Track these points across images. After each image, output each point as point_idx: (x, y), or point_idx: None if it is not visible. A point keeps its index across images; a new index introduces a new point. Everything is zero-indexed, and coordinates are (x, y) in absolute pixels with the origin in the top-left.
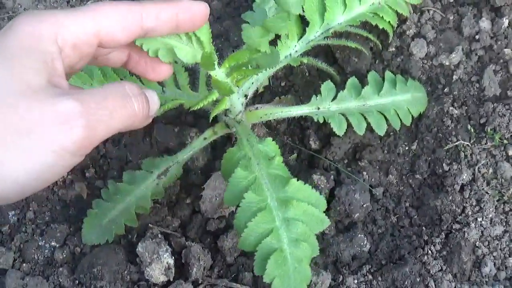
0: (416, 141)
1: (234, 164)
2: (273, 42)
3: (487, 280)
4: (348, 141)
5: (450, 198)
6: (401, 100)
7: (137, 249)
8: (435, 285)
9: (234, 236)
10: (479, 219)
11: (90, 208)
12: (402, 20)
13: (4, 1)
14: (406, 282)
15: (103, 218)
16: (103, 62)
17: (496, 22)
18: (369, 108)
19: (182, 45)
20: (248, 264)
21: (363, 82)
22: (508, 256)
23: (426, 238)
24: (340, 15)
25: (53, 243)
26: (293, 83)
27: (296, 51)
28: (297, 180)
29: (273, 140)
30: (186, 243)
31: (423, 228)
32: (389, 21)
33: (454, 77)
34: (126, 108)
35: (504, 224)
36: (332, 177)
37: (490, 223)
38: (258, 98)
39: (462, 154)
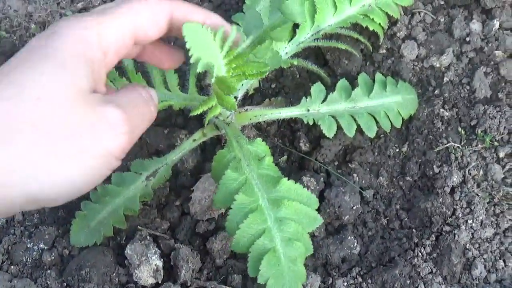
0: (407, 143)
1: (224, 166)
2: None
3: (477, 282)
4: (338, 143)
5: (441, 200)
6: (391, 102)
7: (125, 251)
8: (425, 287)
9: (223, 238)
10: (470, 221)
11: (79, 210)
12: (392, 22)
13: None
14: (396, 285)
15: (92, 220)
16: None
17: (486, 24)
18: (359, 110)
19: None
20: (237, 266)
21: (353, 84)
22: (498, 258)
23: (416, 240)
24: (331, 17)
25: (41, 245)
26: (284, 85)
27: (287, 53)
28: (288, 179)
29: (262, 141)
30: (175, 245)
31: (413, 230)
32: (379, 23)
33: (445, 79)
34: (150, 113)
35: (495, 226)
36: (322, 179)
37: (481, 226)
38: (249, 100)
39: (453, 156)
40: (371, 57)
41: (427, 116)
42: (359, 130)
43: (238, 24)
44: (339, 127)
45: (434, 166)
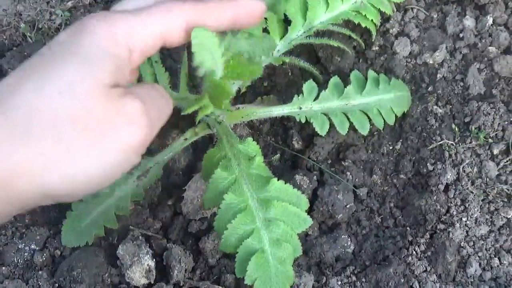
0: (400, 140)
1: (214, 165)
2: None
3: (472, 280)
4: (331, 141)
5: (435, 198)
6: (384, 99)
7: (117, 252)
8: (419, 286)
9: (216, 237)
10: (464, 219)
11: (70, 210)
12: (385, 18)
13: None
14: (390, 283)
15: (83, 220)
16: None
17: (480, 20)
18: (351, 107)
19: None
20: (230, 266)
21: (346, 81)
22: (493, 256)
23: (410, 238)
24: (323, 13)
25: (32, 246)
26: (276, 83)
27: (278, 51)
28: (278, 180)
29: (254, 141)
30: (168, 245)
31: (408, 228)
32: (372, 20)
33: (438, 75)
34: (168, 105)
35: (489, 224)
36: (315, 177)
37: (475, 223)
38: (241, 98)
39: (447, 154)
40: (364, 54)
41: (420, 113)
42: (352, 127)
43: None
44: (332, 125)
45: (428, 164)
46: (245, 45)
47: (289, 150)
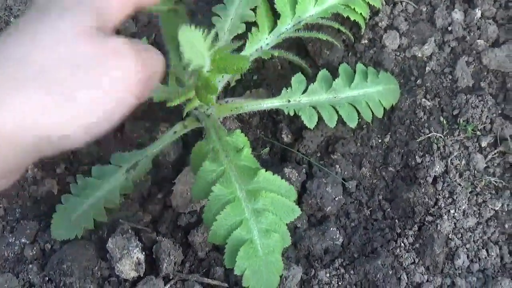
0: (389, 133)
1: (202, 157)
2: (244, 35)
3: (460, 272)
4: (320, 134)
5: (423, 190)
6: (373, 92)
7: (107, 245)
8: (407, 277)
9: (205, 230)
10: (452, 211)
11: (60, 203)
12: (374, 12)
13: None
14: (378, 275)
15: (72, 213)
16: None
17: (468, 13)
18: (340, 100)
19: None
20: (219, 258)
21: (335, 74)
22: (481, 248)
23: (399, 230)
24: (312, 7)
25: (23, 240)
26: (265, 77)
27: (267, 44)
28: (266, 171)
29: (243, 133)
30: (157, 238)
31: (396, 220)
32: (361, 13)
33: (427, 68)
34: (160, 61)
35: (477, 216)
36: (304, 170)
37: (463, 215)
38: (230, 91)
39: (435, 146)
40: (353, 48)
41: (409, 106)
42: (341, 121)
43: (218, 16)
44: (321, 118)
45: (416, 156)
46: None
47: (278, 144)
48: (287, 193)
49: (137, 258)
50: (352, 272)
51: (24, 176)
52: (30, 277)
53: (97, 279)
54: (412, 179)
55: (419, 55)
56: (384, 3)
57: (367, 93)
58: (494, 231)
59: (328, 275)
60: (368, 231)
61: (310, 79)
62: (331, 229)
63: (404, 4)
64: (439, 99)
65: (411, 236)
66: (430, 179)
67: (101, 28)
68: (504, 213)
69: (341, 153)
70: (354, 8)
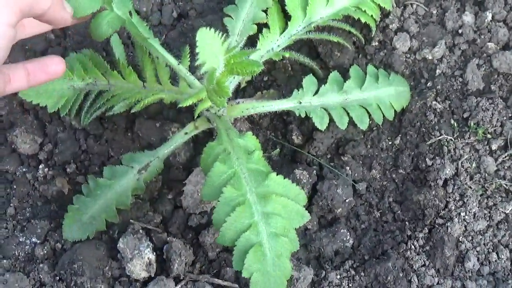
0: (399, 135)
1: (213, 158)
2: (255, 36)
3: (470, 275)
4: (331, 136)
5: (433, 193)
6: (384, 94)
7: (118, 245)
8: (418, 280)
9: (215, 231)
10: (462, 214)
11: (71, 203)
12: (385, 14)
13: None
14: (389, 277)
15: (84, 214)
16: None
17: (479, 16)
18: (351, 102)
19: None
20: (230, 259)
21: (345, 76)
22: (491, 251)
23: (409, 233)
24: (323, 9)
25: (33, 239)
26: (276, 78)
27: (279, 46)
28: (277, 174)
29: (254, 135)
30: (168, 238)
31: (406, 223)
32: (371, 15)
33: (437, 71)
34: None
35: (488, 219)
36: (314, 172)
37: (474, 218)
38: (241, 92)
39: (445, 149)
40: (364, 50)
41: (419, 108)
42: (352, 122)
43: (230, 16)
44: (332, 120)
45: (426, 159)
46: None
47: (289, 145)
48: (297, 197)
49: (148, 258)
50: (362, 274)
51: (35, 176)
52: (41, 277)
53: (107, 279)
54: (423, 182)
55: (430, 57)
56: (394, 5)
57: (378, 95)
58: (505, 234)
59: (338, 276)
60: (378, 233)
61: (321, 80)
62: (342, 230)
63: (414, 6)
64: (449, 102)
65: (422, 239)
66: (440, 182)
67: None
68: None
69: (351, 155)
70: (364, 10)
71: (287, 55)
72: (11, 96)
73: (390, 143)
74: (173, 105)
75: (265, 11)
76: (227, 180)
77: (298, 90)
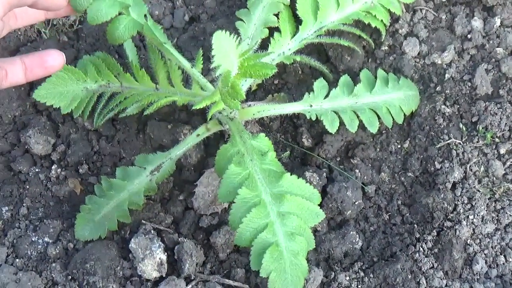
0: (409, 139)
1: (227, 160)
2: (267, 40)
3: (478, 277)
4: (340, 139)
5: (442, 196)
6: (393, 98)
7: (130, 245)
8: (426, 282)
9: (226, 232)
10: (471, 217)
11: (83, 204)
12: (394, 19)
13: None
14: (397, 279)
15: (96, 214)
16: None
17: (488, 21)
18: (361, 105)
19: None
20: (240, 260)
21: (355, 80)
22: (499, 254)
23: (417, 235)
24: (333, 13)
25: (46, 239)
26: (286, 81)
27: (289, 49)
28: (291, 175)
29: (265, 137)
30: (179, 239)
31: (415, 225)
32: (381, 20)
33: (446, 75)
34: None
35: (496, 222)
36: (324, 174)
37: (482, 221)
38: (252, 95)
39: (454, 152)
40: (373, 54)
41: (428, 112)
42: (361, 126)
43: (242, 20)
44: (342, 123)
45: (435, 162)
46: None
47: (299, 147)
48: (312, 196)
49: (159, 258)
50: (371, 275)
51: (47, 176)
52: (53, 276)
53: (119, 278)
54: (431, 185)
55: (439, 62)
56: (404, 10)
57: (388, 99)
58: None
59: (347, 278)
60: (387, 236)
61: (331, 84)
62: (351, 232)
63: (424, 11)
64: (458, 106)
65: (430, 241)
66: (449, 185)
67: None
68: None
69: (361, 158)
70: (375, 15)
71: (298, 58)
72: (24, 97)
73: (399, 146)
74: (184, 107)
75: (276, 15)
76: (242, 181)
77: (309, 94)
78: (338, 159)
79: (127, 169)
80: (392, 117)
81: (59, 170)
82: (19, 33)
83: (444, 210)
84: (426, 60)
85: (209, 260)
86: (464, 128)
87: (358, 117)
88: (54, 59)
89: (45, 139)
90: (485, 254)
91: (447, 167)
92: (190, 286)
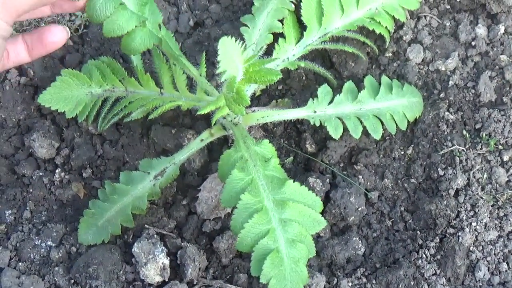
0: (412, 145)
1: (231, 165)
2: (271, 45)
3: (480, 284)
4: (344, 145)
5: (445, 202)
6: (397, 104)
7: (132, 250)
8: None
9: (229, 237)
10: (474, 224)
11: (87, 208)
12: (399, 25)
13: None
14: (400, 286)
15: (100, 218)
16: None
17: (492, 28)
18: (365, 112)
19: None
20: (243, 265)
21: (359, 86)
22: (502, 261)
23: (420, 242)
24: (338, 20)
25: (49, 243)
26: (290, 87)
27: (294, 55)
28: (294, 181)
29: (269, 143)
30: (182, 244)
31: (418, 232)
32: (386, 26)
33: (450, 82)
34: None
35: (498, 229)
36: (327, 180)
37: (485, 228)
38: (255, 101)
39: (457, 159)
40: (377, 60)
41: (432, 119)
42: (365, 132)
43: (246, 26)
44: (345, 129)
45: (438, 169)
46: None
47: (302, 153)
48: (314, 204)
49: (162, 263)
50: (374, 282)
51: (51, 180)
52: (56, 280)
53: (122, 282)
54: (434, 191)
55: (443, 69)
56: (408, 17)
57: (392, 105)
58: None
59: (350, 284)
60: (390, 242)
61: (335, 90)
62: (354, 239)
63: (428, 18)
64: (462, 113)
65: (433, 248)
66: (452, 192)
67: None
68: None
69: (364, 164)
70: (379, 22)
71: (302, 64)
72: (29, 101)
73: (402, 152)
74: (188, 112)
75: (281, 21)
76: (245, 187)
77: (313, 99)
78: (342, 165)
79: (131, 174)
80: (396, 123)
81: (62, 174)
82: None
83: (447, 217)
84: (430, 66)
85: (211, 265)
86: (467, 135)
87: (361, 123)
88: (53, 35)
89: (49, 143)
90: (487, 261)
91: (450, 174)
92: None
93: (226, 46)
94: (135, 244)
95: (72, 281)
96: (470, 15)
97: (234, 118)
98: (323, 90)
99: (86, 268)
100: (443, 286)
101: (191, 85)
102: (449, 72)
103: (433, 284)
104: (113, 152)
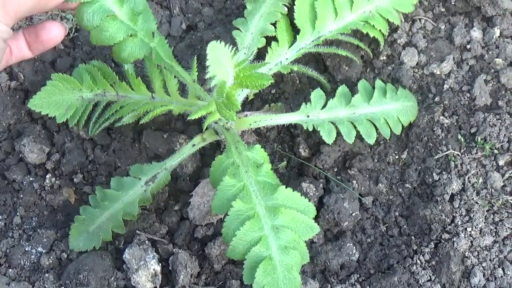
0: (406, 150)
1: (222, 171)
2: (264, 49)
3: None
4: (338, 149)
5: (440, 207)
6: (391, 108)
7: (124, 256)
8: None
9: (221, 243)
10: (469, 229)
11: (78, 214)
12: (393, 28)
13: None
14: None
15: (91, 225)
16: None
17: (487, 32)
18: (358, 116)
19: None
20: (235, 272)
21: (353, 90)
22: (497, 266)
23: (415, 247)
24: (331, 23)
25: (39, 249)
26: (284, 91)
27: (287, 59)
28: (286, 187)
29: (262, 148)
30: (174, 250)
31: (412, 237)
32: (380, 30)
33: (445, 86)
34: None
35: (494, 234)
36: (321, 185)
37: (480, 233)
38: (248, 105)
39: (452, 164)
40: (372, 64)
41: (427, 123)
42: (359, 136)
43: (238, 29)
44: (339, 134)
45: (433, 174)
46: None
47: (296, 158)
48: (306, 210)
49: (153, 269)
50: None
51: (41, 185)
52: (46, 286)
53: None
54: (429, 196)
55: (437, 72)
56: (403, 20)
57: (386, 109)
58: (511, 250)
59: None
60: (384, 247)
61: (329, 94)
62: (347, 244)
63: (423, 21)
64: (457, 117)
65: (428, 253)
66: (447, 197)
67: None
68: None
69: (358, 169)
70: (373, 25)
71: (295, 68)
72: (19, 105)
73: (397, 157)
74: (180, 116)
75: (274, 24)
76: (237, 193)
77: (306, 104)
78: (335, 169)
79: (122, 180)
80: (390, 128)
81: (53, 179)
82: None
83: (442, 222)
84: (425, 70)
85: (204, 271)
86: (462, 139)
87: (355, 127)
88: (48, 32)
89: (39, 147)
90: (483, 267)
91: (445, 179)
92: None
93: (216, 51)
94: (126, 250)
95: (63, 287)
96: (465, 18)
97: (226, 123)
98: (316, 94)
99: (77, 275)
100: None
101: (183, 90)
102: (444, 76)
103: None
104: (104, 157)
